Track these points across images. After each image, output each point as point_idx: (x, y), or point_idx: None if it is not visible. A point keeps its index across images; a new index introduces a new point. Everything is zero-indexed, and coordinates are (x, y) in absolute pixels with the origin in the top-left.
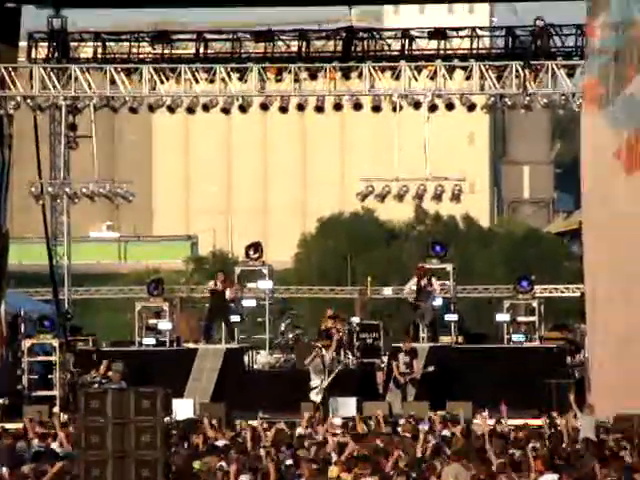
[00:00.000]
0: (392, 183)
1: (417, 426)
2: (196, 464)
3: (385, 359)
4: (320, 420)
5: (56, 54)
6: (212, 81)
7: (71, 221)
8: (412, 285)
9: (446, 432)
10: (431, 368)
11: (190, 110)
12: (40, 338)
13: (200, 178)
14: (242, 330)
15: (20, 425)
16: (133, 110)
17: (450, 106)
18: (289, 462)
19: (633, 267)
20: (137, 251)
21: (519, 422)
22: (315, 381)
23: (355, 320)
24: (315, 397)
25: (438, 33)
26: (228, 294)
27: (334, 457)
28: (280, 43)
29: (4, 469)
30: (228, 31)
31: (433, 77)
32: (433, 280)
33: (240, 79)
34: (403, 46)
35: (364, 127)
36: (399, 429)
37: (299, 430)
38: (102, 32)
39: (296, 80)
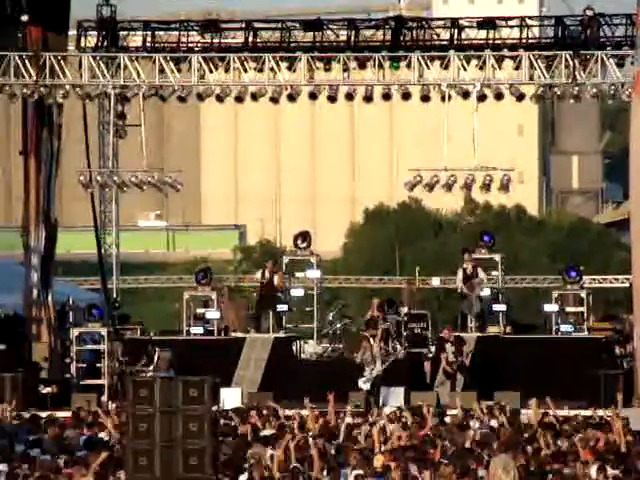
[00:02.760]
0: (440, 173)
1: (465, 416)
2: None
3: (433, 349)
4: (368, 409)
5: (105, 43)
6: (261, 70)
7: (120, 210)
8: (460, 275)
9: (494, 422)
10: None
11: (239, 99)
12: (88, 327)
13: (249, 167)
14: (290, 319)
15: (69, 413)
16: (182, 99)
17: (499, 96)
18: (333, 451)
19: None
20: (185, 240)
21: (567, 413)
22: (366, 371)
23: (403, 310)
24: (363, 386)
25: (487, 23)
26: (276, 281)
27: (381, 446)
28: (329, 32)
29: (55, 457)
30: (277, 20)
31: (482, 67)
32: (479, 270)
33: (289, 68)
34: (452, 36)
35: (412, 117)
36: (447, 419)
37: (347, 419)
38: (151, 21)
39: (345, 69)
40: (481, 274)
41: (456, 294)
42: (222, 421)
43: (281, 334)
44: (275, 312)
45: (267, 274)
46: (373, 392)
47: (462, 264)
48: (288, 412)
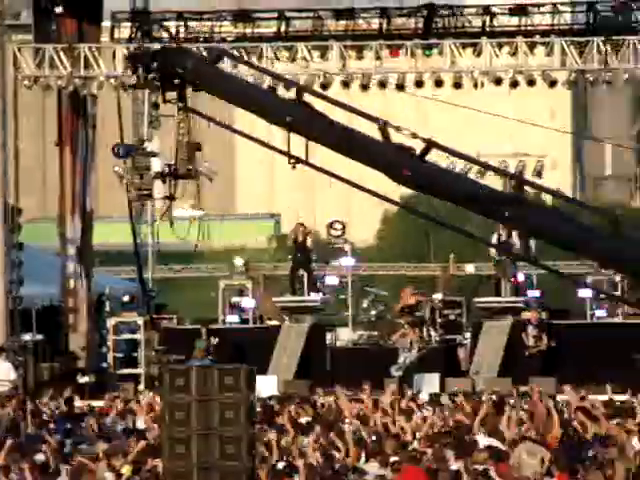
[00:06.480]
0: None
1: (501, 402)
2: (282, 441)
3: (468, 335)
4: (403, 396)
5: (139, 34)
6: (293, 59)
7: (155, 200)
8: (494, 239)
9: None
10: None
11: (272, 89)
12: (125, 316)
13: (283, 156)
14: (325, 307)
15: (105, 403)
16: None
17: (531, 82)
18: (372, 438)
19: None
20: (220, 229)
21: (604, 398)
22: (399, 358)
23: (438, 297)
24: (395, 373)
25: (519, 9)
26: (309, 242)
27: (416, 433)
28: (361, 21)
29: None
30: (309, 9)
31: (514, 53)
32: (514, 234)
33: (321, 57)
34: (484, 22)
35: (445, 104)
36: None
37: (382, 406)
38: (184, 11)
39: (377, 58)
40: (515, 239)
41: (491, 281)
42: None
43: (316, 322)
44: (309, 272)
45: (300, 236)
46: (405, 380)
47: (497, 229)
48: (323, 399)
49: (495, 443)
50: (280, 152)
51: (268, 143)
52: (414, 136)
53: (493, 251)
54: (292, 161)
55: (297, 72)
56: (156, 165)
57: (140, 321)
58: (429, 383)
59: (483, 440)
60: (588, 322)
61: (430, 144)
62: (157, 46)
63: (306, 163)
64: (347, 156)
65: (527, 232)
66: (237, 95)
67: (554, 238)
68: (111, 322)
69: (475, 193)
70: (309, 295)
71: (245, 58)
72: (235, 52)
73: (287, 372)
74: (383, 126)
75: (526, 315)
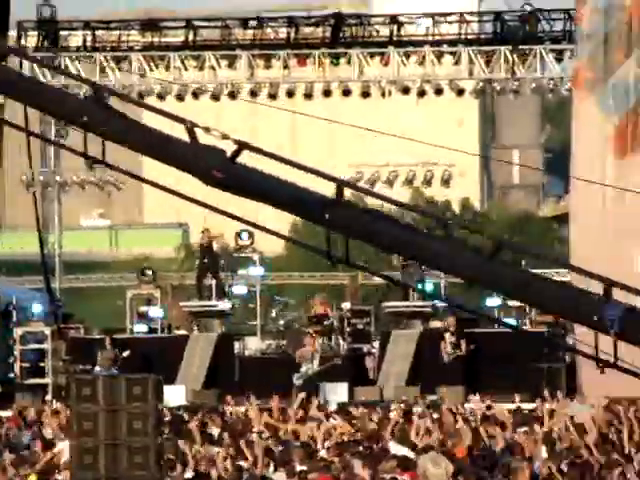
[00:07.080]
0: (381, 169)
1: (410, 410)
2: (191, 451)
3: (376, 344)
4: (309, 405)
5: (45, 43)
6: (201, 68)
7: (62, 210)
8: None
9: (435, 416)
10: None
11: (179, 97)
12: (32, 326)
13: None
14: (233, 317)
15: (12, 413)
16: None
17: (439, 91)
18: (280, 447)
19: (618, 252)
20: (128, 239)
21: (511, 406)
22: (302, 367)
23: (346, 306)
24: (296, 382)
25: (426, 18)
26: (215, 246)
27: (325, 442)
28: (269, 30)
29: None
30: (217, 18)
31: (422, 62)
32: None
33: (229, 66)
34: (392, 32)
35: (352, 113)
36: (391, 414)
37: (290, 415)
38: (91, 20)
39: (285, 67)
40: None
41: (399, 289)
42: (167, 418)
43: (224, 331)
44: (216, 276)
45: (204, 241)
46: (310, 388)
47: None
48: (232, 409)
49: (406, 451)
50: (76, 153)
51: (64, 144)
52: (224, 137)
53: (400, 258)
54: (90, 162)
55: (205, 81)
56: None
57: (47, 331)
58: (336, 392)
59: (395, 448)
60: (496, 330)
61: (241, 145)
62: None
63: (105, 164)
64: (151, 157)
65: (351, 236)
66: (27, 94)
67: (379, 241)
68: (18, 332)
69: (292, 195)
70: (217, 301)
71: (152, 66)
72: (142, 60)
73: (195, 382)
74: (190, 127)
75: (435, 324)
